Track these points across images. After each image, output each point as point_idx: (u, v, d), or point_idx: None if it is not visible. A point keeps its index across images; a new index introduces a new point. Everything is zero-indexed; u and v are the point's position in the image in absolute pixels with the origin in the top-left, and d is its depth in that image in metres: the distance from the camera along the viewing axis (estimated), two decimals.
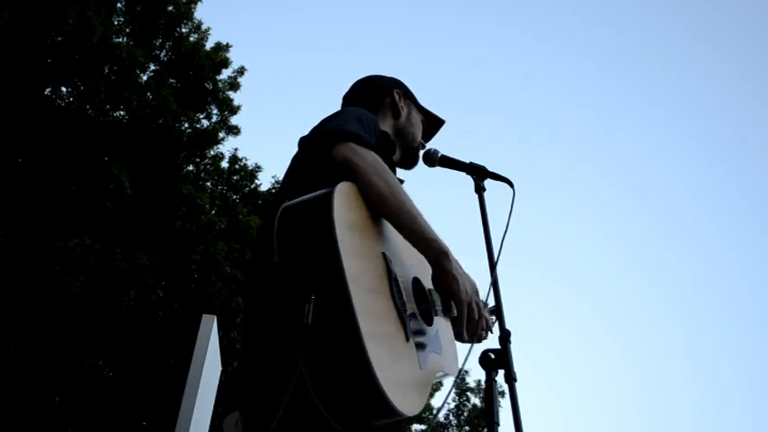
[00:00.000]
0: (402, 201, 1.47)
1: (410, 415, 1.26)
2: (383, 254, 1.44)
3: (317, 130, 1.61)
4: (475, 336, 1.59)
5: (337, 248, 1.24)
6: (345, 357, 1.19)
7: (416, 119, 2.00)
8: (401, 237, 1.55)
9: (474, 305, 1.55)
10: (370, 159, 1.47)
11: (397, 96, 1.96)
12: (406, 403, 1.25)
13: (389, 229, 1.54)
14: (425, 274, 1.69)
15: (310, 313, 1.19)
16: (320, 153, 1.50)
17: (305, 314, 1.19)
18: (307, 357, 1.20)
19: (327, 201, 1.30)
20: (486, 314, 2.01)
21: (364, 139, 1.51)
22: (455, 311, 1.80)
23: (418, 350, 1.44)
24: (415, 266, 1.65)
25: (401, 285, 1.46)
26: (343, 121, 1.55)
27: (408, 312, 1.45)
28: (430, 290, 1.67)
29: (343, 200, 1.35)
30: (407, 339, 1.39)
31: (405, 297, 1.46)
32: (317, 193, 1.34)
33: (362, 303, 1.23)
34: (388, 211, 1.46)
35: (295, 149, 1.73)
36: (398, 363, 1.31)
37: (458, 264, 1.53)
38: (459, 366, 1.71)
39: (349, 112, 1.65)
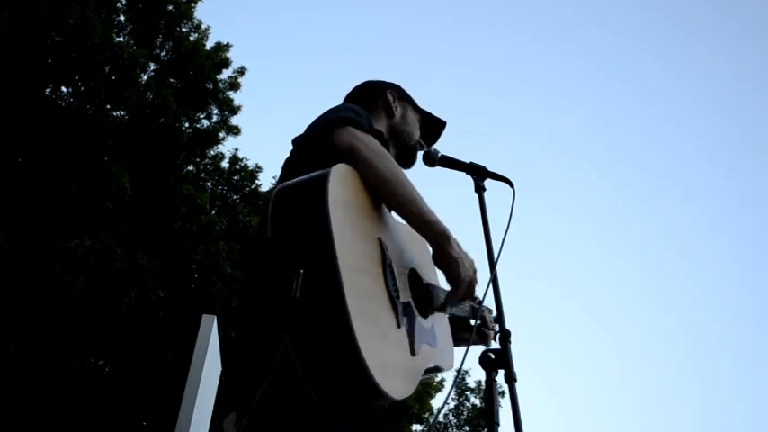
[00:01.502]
0: (404, 184, 1.48)
1: (395, 398, 1.26)
2: (379, 239, 1.44)
3: (311, 127, 1.63)
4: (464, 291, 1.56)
5: (329, 223, 1.25)
6: (331, 331, 1.19)
7: (412, 118, 2.02)
8: (403, 227, 1.56)
9: (472, 282, 1.56)
10: (370, 143, 1.49)
11: (390, 97, 1.99)
12: (391, 385, 1.24)
13: (390, 218, 1.55)
14: (425, 268, 1.69)
15: (298, 287, 1.20)
16: (320, 140, 1.51)
17: (293, 288, 1.20)
18: (293, 330, 1.20)
19: (323, 179, 1.31)
20: (488, 315, 2.01)
21: (363, 125, 1.53)
22: (452, 308, 1.80)
23: (410, 338, 1.44)
24: (415, 258, 1.65)
25: (396, 272, 1.46)
26: (338, 112, 1.58)
27: (402, 300, 1.45)
28: (428, 283, 1.67)
29: (340, 179, 1.36)
30: (399, 325, 1.39)
31: (399, 285, 1.46)
32: (314, 173, 1.36)
33: (351, 280, 1.23)
34: (388, 193, 1.47)
35: None
36: (386, 345, 1.31)
37: (458, 244, 1.54)
38: (458, 366, 1.72)
39: (341, 106, 1.69)
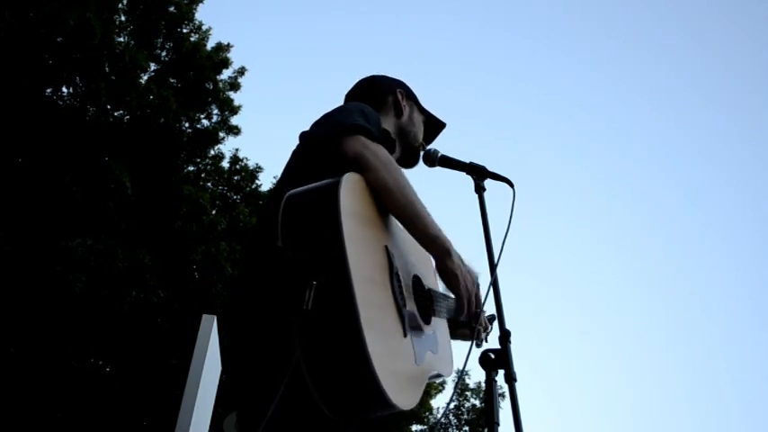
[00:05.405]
0: (409, 197, 1.49)
1: (404, 408, 1.26)
2: (386, 247, 1.45)
3: (320, 124, 1.61)
4: (473, 318, 1.60)
5: (341, 235, 1.24)
6: (343, 345, 1.19)
7: (418, 119, 2.01)
8: (406, 233, 1.56)
9: (473, 298, 1.59)
10: (380, 154, 1.49)
11: (399, 96, 1.97)
12: (400, 396, 1.25)
13: (395, 224, 1.55)
14: (426, 273, 1.69)
15: (311, 299, 1.19)
16: (328, 146, 1.50)
17: (305, 300, 1.19)
18: (304, 343, 1.19)
19: (334, 188, 1.31)
20: (484, 317, 2.01)
21: (373, 133, 1.52)
22: (452, 313, 1.80)
23: (415, 346, 1.44)
24: (418, 264, 1.65)
25: (402, 281, 1.47)
26: (349, 115, 1.56)
27: (407, 308, 1.45)
28: (430, 289, 1.67)
29: (350, 189, 1.36)
30: (405, 334, 1.40)
31: (405, 293, 1.47)
32: (324, 181, 1.35)
33: (363, 292, 1.23)
34: (394, 206, 1.48)
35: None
36: (395, 355, 1.31)
37: (460, 259, 1.55)
38: (459, 368, 1.72)
39: (352, 106, 1.66)
